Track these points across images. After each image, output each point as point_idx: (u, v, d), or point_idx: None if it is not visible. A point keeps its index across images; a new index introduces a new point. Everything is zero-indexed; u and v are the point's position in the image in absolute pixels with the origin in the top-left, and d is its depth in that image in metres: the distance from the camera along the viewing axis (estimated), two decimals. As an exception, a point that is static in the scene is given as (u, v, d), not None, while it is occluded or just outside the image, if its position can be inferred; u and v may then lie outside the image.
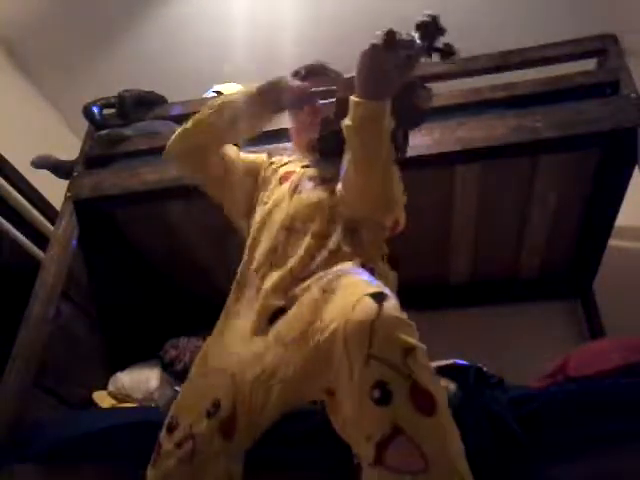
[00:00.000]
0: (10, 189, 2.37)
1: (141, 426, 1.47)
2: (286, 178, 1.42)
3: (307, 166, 1.43)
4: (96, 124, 2.20)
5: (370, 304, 0.95)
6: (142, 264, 2.36)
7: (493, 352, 1.93)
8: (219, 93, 2.30)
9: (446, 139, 1.80)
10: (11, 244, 2.30)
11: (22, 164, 2.34)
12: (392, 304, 0.96)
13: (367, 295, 0.97)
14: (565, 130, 1.74)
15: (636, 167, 1.78)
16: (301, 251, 1.23)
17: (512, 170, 1.95)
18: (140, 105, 2.24)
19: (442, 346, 1.80)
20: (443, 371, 1.48)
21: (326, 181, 1.33)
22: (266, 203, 1.39)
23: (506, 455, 1.24)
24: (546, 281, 2.44)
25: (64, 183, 2.12)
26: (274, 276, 1.23)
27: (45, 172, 2.21)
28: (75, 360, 1.94)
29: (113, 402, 1.92)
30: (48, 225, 2.43)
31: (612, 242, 2.27)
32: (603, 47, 1.90)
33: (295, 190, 1.35)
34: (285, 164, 1.50)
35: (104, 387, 1.97)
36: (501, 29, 2.53)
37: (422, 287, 2.49)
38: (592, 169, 1.95)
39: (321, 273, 1.17)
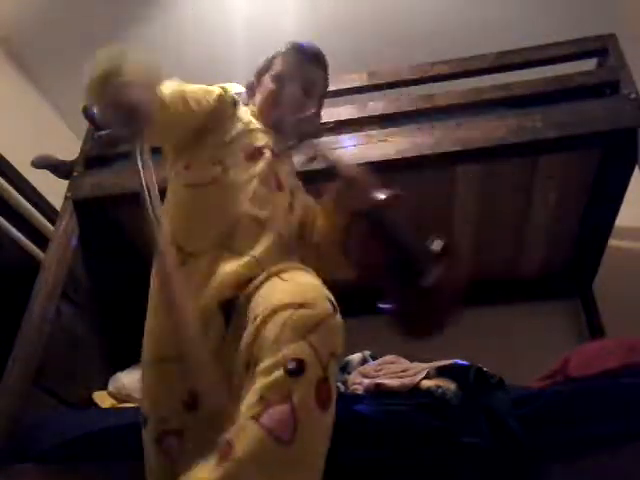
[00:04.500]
0: (10, 189, 2.37)
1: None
2: (253, 156, 1.35)
3: (277, 155, 1.39)
4: (96, 124, 2.20)
5: (328, 304, 1.02)
6: (142, 264, 2.36)
7: (493, 352, 1.93)
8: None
9: (446, 139, 1.80)
10: (11, 244, 2.29)
11: (22, 164, 2.34)
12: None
13: (326, 297, 1.03)
14: (565, 130, 1.74)
15: (636, 167, 1.78)
16: (266, 243, 1.22)
17: (512, 170, 1.95)
18: (140, 105, 2.23)
19: (442, 346, 1.81)
20: (443, 371, 1.48)
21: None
22: (224, 170, 1.32)
23: (506, 455, 1.24)
24: (546, 281, 2.44)
25: (64, 183, 2.12)
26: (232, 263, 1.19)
27: (45, 172, 2.21)
28: (75, 360, 1.94)
29: (113, 402, 1.92)
30: (48, 225, 2.43)
31: (612, 242, 2.28)
32: (603, 47, 1.91)
33: (279, 188, 1.35)
34: (251, 131, 1.41)
35: (104, 387, 1.97)
36: (501, 29, 2.53)
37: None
38: (592, 169, 1.95)
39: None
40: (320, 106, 1.55)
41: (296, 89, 1.46)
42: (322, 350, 0.96)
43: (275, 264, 1.17)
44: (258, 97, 1.50)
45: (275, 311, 1.00)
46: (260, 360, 0.96)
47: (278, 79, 1.47)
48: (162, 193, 1.53)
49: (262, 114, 1.47)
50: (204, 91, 1.37)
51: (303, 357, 0.94)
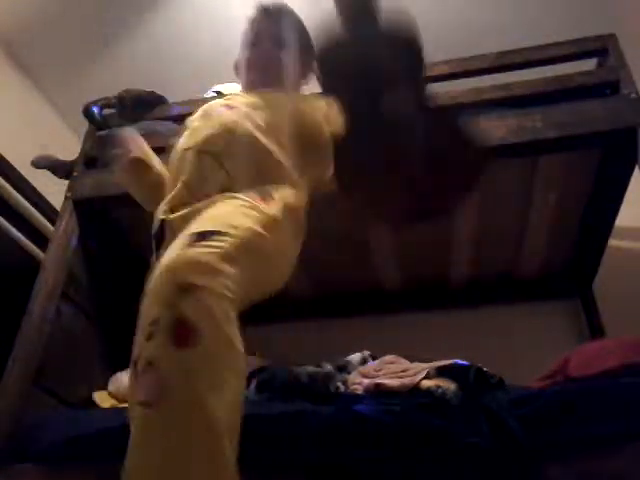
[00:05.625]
0: (10, 189, 2.37)
1: (141, 426, 1.47)
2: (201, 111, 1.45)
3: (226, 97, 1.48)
4: (96, 124, 2.20)
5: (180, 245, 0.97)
6: (142, 264, 2.36)
7: (493, 352, 1.93)
8: (219, 93, 2.30)
9: (446, 139, 1.80)
10: (11, 244, 2.29)
11: (22, 164, 2.34)
12: (202, 246, 0.96)
13: (189, 234, 0.99)
14: (565, 130, 1.74)
15: (636, 167, 1.78)
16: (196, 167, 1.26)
17: (512, 170, 1.95)
18: (140, 105, 2.24)
19: (442, 346, 1.81)
20: (443, 371, 1.48)
21: (233, 107, 1.37)
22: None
23: (506, 455, 1.24)
24: (546, 281, 2.44)
25: (64, 183, 2.12)
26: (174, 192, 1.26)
27: (45, 172, 2.21)
28: (75, 360, 1.94)
29: (113, 402, 1.92)
30: (48, 225, 2.43)
31: (612, 242, 2.28)
32: (603, 47, 1.90)
33: (205, 116, 1.40)
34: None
35: (104, 387, 1.97)
36: (501, 29, 2.53)
37: (422, 287, 2.49)
38: (592, 169, 1.95)
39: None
40: (305, 60, 1.54)
41: (263, 48, 1.51)
42: (167, 294, 0.92)
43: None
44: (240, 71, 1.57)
45: None
46: None
47: (247, 46, 1.55)
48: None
49: (244, 84, 1.54)
50: None
51: (155, 317, 0.92)
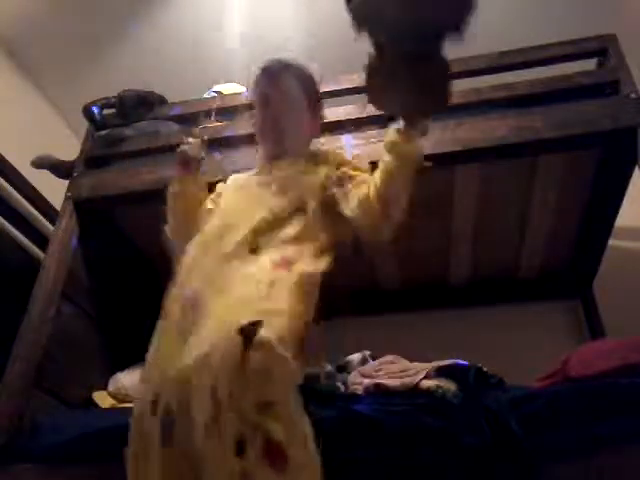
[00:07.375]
0: (10, 189, 2.37)
1: (141, 426, 1.47)
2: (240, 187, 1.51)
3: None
4: (96, 124, 2.20)
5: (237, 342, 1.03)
6: (142, 264, 2.36)
7: (493, 352, 1.93)
8: (219, 93, 2.30)
9: (446, 139, 1.80)
10: (11, 244, 2.29)
11: (22, 164, 2.34)
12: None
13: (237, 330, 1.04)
14: (565, 130, 1.74)
15: (636, 167, 1.78)
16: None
17: (512, 170, 1.95)
18: (140, 105, 2.24)
19: (442, 346, 1.81)
20: (443, 371, 1.48)
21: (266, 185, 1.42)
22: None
23: (506, 455, 1.24)
24: (546, 281, 2.44)
25: (64, 183, 2.12)
26: None
27: (45, 172, 2.21)
28: (75, 360, 1.94)
29: (113, 402, 1.92)
30: (48, 225, 2.43)
31: (612, 242, 2.28)
32: (603, 47, 1.90)
33: (245, 196, 1.44)
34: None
35: (104, 387, 1.97)
36: (501, 29, 2.53)
37: (422, 287, 2.49)
38: (592, 169, 1.95)
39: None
40: (313, 111, 1.54)
41: (261, 115, 1.50)
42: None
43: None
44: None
45: None
46: None
47: (257, 109, 1.52)
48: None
49: (261, 152, 1.55)
50: None
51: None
